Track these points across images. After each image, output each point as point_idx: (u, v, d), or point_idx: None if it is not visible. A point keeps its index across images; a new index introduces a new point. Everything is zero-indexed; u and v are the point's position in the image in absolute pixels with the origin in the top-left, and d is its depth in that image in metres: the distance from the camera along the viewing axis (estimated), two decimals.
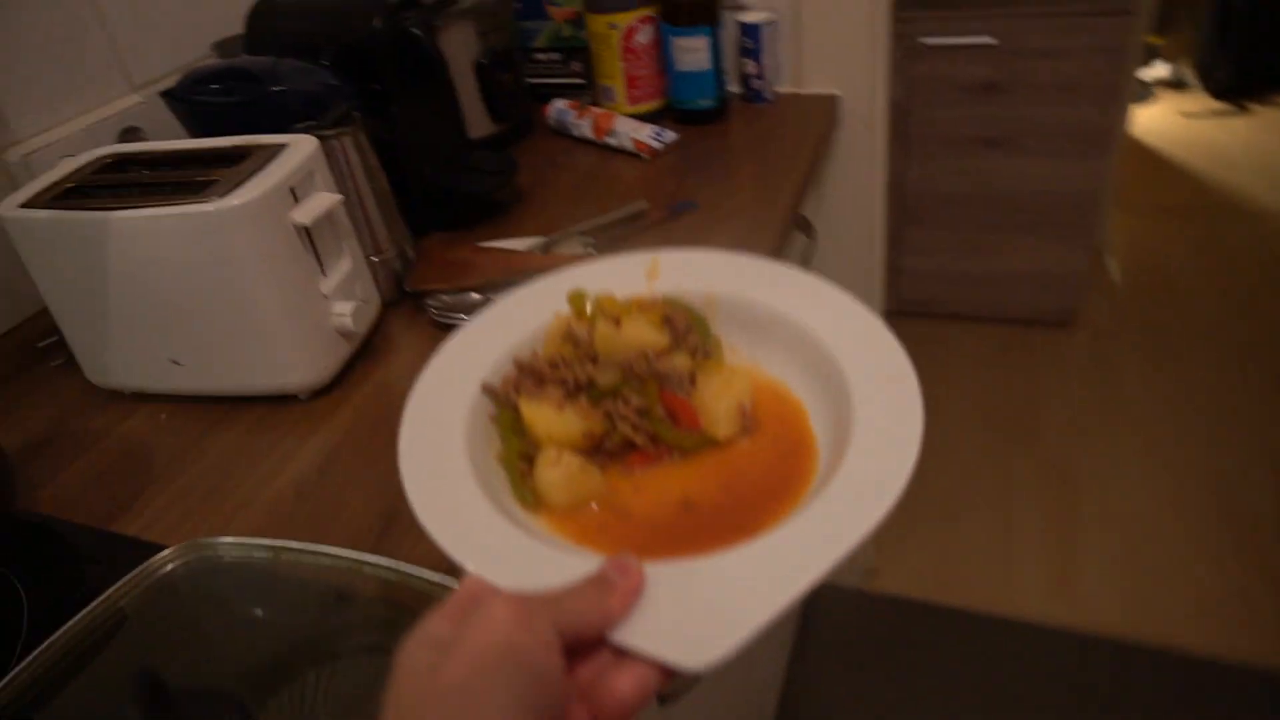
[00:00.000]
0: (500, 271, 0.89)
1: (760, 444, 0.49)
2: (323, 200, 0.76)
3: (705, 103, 1.22)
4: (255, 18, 1.01)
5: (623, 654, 0.36)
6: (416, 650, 0.34)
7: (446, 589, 0.52)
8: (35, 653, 0.54)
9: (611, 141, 1.19)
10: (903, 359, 0.48)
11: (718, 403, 0.48)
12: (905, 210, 2.28)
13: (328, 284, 0.79)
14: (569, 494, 0.45)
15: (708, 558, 0.40)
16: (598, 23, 1.21)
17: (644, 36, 1.20)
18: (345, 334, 0.80)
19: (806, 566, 0.38)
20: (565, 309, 0.55)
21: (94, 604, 0.58)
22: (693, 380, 0.50)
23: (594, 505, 0.46)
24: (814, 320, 0.52)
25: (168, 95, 0.91)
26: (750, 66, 1.23)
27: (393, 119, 0.97)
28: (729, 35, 1.23)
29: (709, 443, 0.48)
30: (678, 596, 0.38)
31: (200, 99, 0.90)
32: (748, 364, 0.54)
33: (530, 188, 1.12)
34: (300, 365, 0.78)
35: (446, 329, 0.80)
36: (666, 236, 0.97)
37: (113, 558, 0.68)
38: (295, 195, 0.75)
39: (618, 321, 0.50)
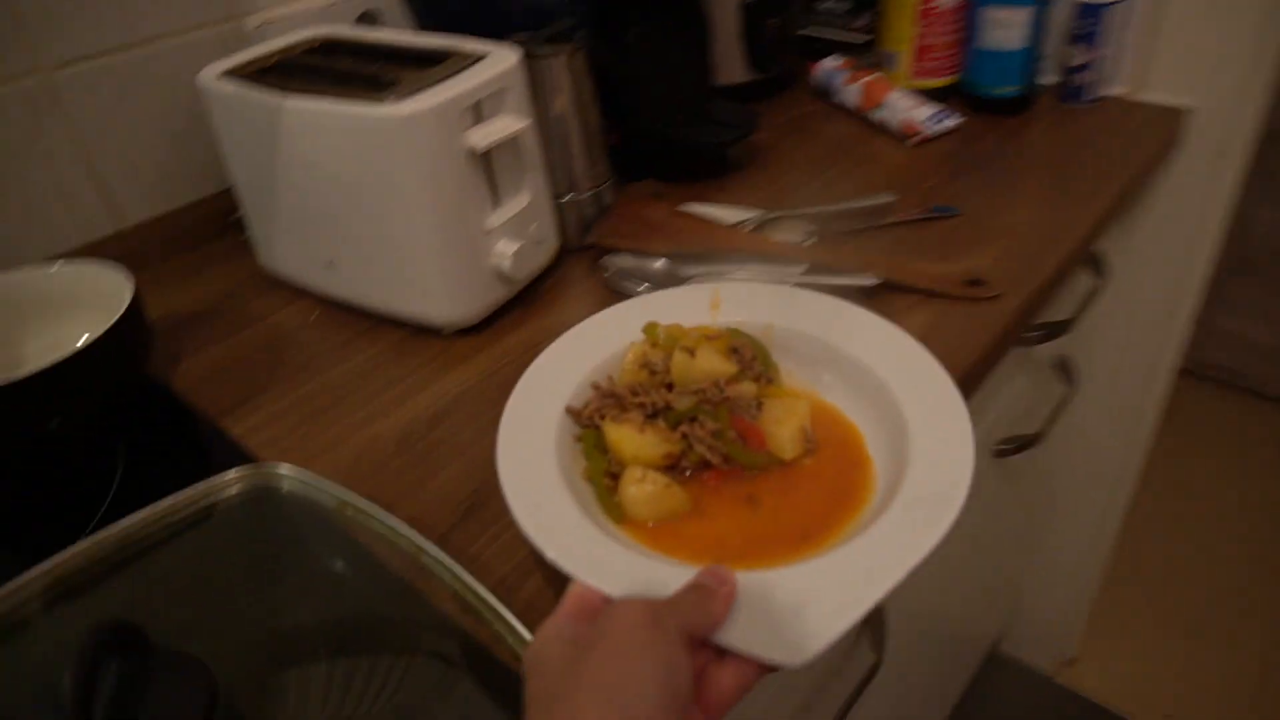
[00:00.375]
0: (697, 242, 0.76)
1: (822, 462, 0.53)
2: (506, 125, 0.67)
3: (1007, 90, 0.99)
4: None
5: (724, 653, 0.40)
6: (550, 647, 0.37)
7: (495, 623, 0.47)
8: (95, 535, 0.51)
9: (878, 116, 1.00)
10: (949, 386, 0.52)
11: (782, 426, 0.52)
12: (1239, 259, 1.85)
13: (495, 218, 0.70)
14: (654, 509, 0.49)
15: (786, 568, 0.44)
16: None
17: None
18: (502, 277, 0.71)
19: (875, 580, 0.42)
20: (639, 337, 0.60)
21: (157, 505, 0.55)
22: (759, 405, 0.54)
23: (670, 521, 0.50)
24: (865, 350, 0.56)
25: None
26: (1078, 55, 0.98)
27: (625, 46, 0.86)
28: (1058, 12, 0.99)
29: (776, 462, 0.52)
30: (766, 603, 0.42)
31: None
32: (805, 389, 0.58)
33: (764, 151, 0.97)
34: (445, 298, 0.70)
35: (617, 296, 0.70)
36: (906, 241, 0.78)
37: (207, 456, 0.65)
38: (480, 113, 0.66)
39: (692, 351, 0.55)
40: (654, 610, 0.37)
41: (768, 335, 0.60)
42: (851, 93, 1.04)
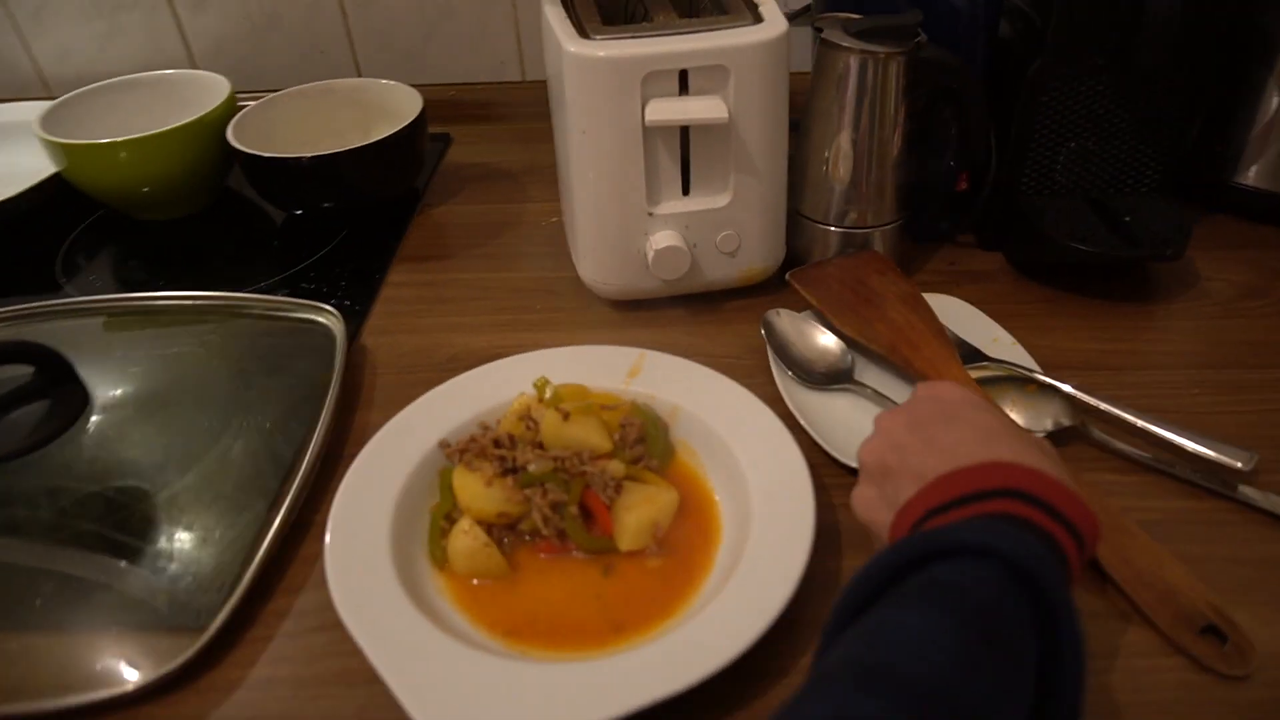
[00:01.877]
0: (883, 348, 0.57)
1: (664, 563, 0.49)
2: (691, 110, 0.56)
3: None
4: None
5: None
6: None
7: None
8: None
9: None
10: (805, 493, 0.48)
11: (630, 514, 0.49)
12: None
13: (665, 207, 0.61)
14: (469, 565, 0.48)
15: (569, 661, 0.43)
16: None
17: None
18: (650, 268, 0.62)
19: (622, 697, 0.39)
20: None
21: (272, 296, 0.65)
22: (618, 487, 0.50)
23: (488, 580, 0.48)
24: (746, 455, 0.51)
25: None
26: None
27: (1023, 85, 0.62)
28: None
29: (611, 549, 0.49)
30: (512, 690, 0.40)
31: None
32: (694, 479, 0.53)
33: (1190, 293, 0.64)
34: (589, 258, 0.65)
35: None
36: (1210, 527, 0.47)
37: (365, 278, 0.73)
38: (685, 84, 0.57)
39: (566, 416, 0.51)
40: None
41: (673, 417, 0.55)
42: None
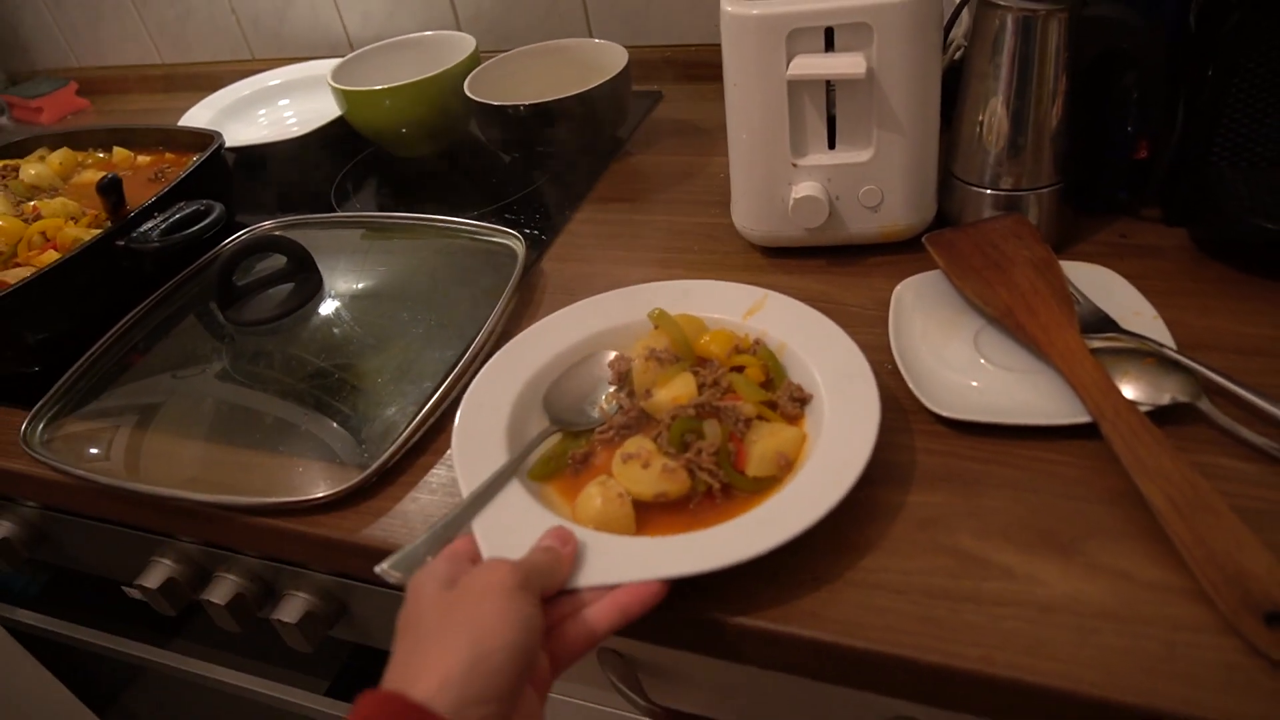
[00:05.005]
0: (999, 311, 0.56)
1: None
2: (832, 65, 0.59)
3: None
4: None
5: (577, 610, 0.45)
6: (428, 582, 0.42)
7: None
8: None
9: None
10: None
11: (756, 446, 0.51)
12: None
13: (811, 159, 0.64)
14: (598, 515, 0.49)
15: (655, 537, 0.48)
16: None
17: None
18: (791, 215, 0.66)
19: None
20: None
21: (460, 219, 0.78)
22: (748, 424, 0.53)
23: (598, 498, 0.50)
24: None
25: None
26: None
27: (1220, 37, 0.58)
28: None
29: (772, 486, 0.50)
30: (617, 557, 0.46)
31: None
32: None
33: None
34: (741, 206, 0.70)
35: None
36: None
37: (545, 214, 0.84)
38: (830, 41, 0.59)
39: (648, 393, 0.56)
40: (520, 571, 0.41)
41: (779, 353, 0.58)
42: None
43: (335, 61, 0.99)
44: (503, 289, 0.68)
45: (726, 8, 0.61)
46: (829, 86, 0.62)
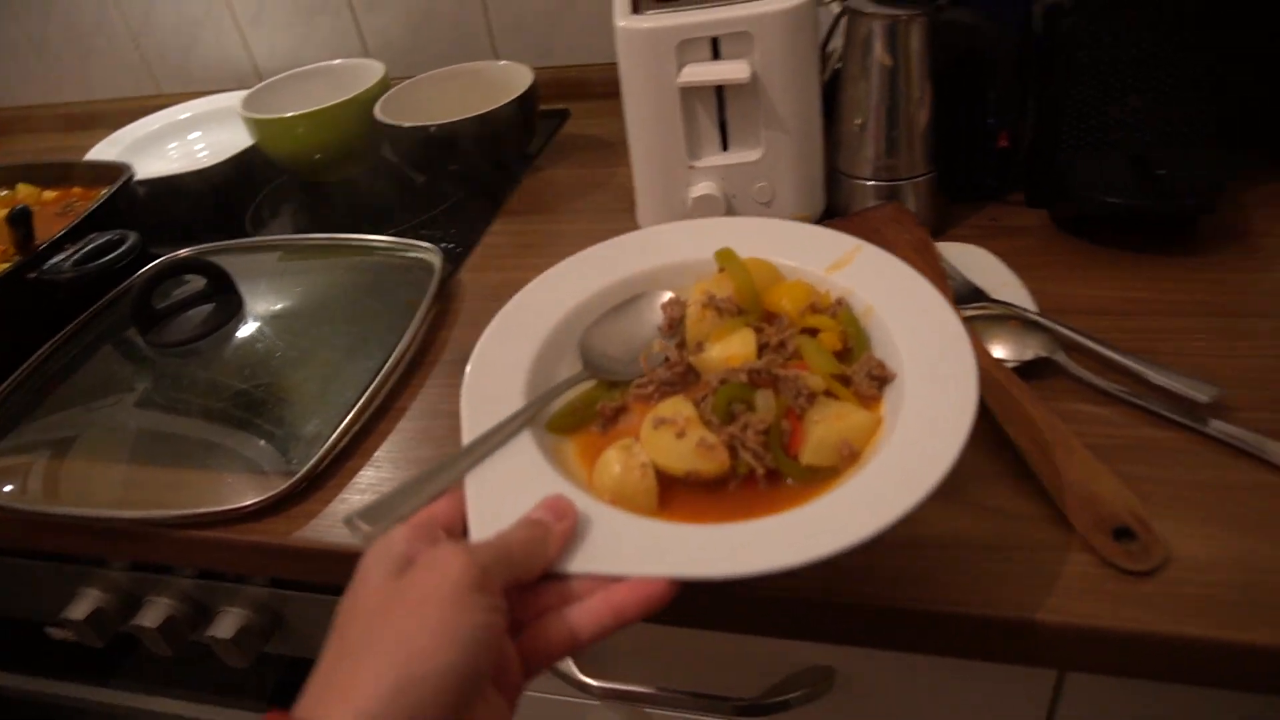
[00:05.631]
0: None
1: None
2: (720, 71, 0.64)
3: None
4: None
5: (568, 600, 0.38)
6: (376, 564, 0.36)
7: None
8: None
9: None
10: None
11: (816, 427, 0.43)
12: None
13: (707, 160, 0.69)
14: (615, 484, 0.42)
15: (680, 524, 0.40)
16: None
17: None
18: (690, 214, 0.71)
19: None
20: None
21: (365, 236, 0.80)
22: (811, 399, 0.45)
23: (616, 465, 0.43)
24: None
25: None
26: None
27: (1061, 32, 0.65)
28: None
29: (830, 476, 0.43)
30: (625, 542, 0.39)
31: None
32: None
33: (1217, 244, 0.64)
34: (645, 209, 0.74)
35: None
36: (1167, 456, 0.49)
37: (470, 222, 0.87)
38: (717, 49, 0.64)
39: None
40: (479, 563, 0.35)
41: (866, 317, 0.50)
42: None
43: (245, 92, 1.00)
44: (421, 300, 0.71)
45: (620, 23, 0.66)
46: (719, 92, 0.66)
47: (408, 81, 0.96)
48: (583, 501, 0.40)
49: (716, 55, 0.65)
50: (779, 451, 0.43)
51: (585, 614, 0.37)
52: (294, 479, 0.58)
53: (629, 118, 0.70)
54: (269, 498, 0.57)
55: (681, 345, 0.50)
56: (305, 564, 0.57)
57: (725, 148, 0.69)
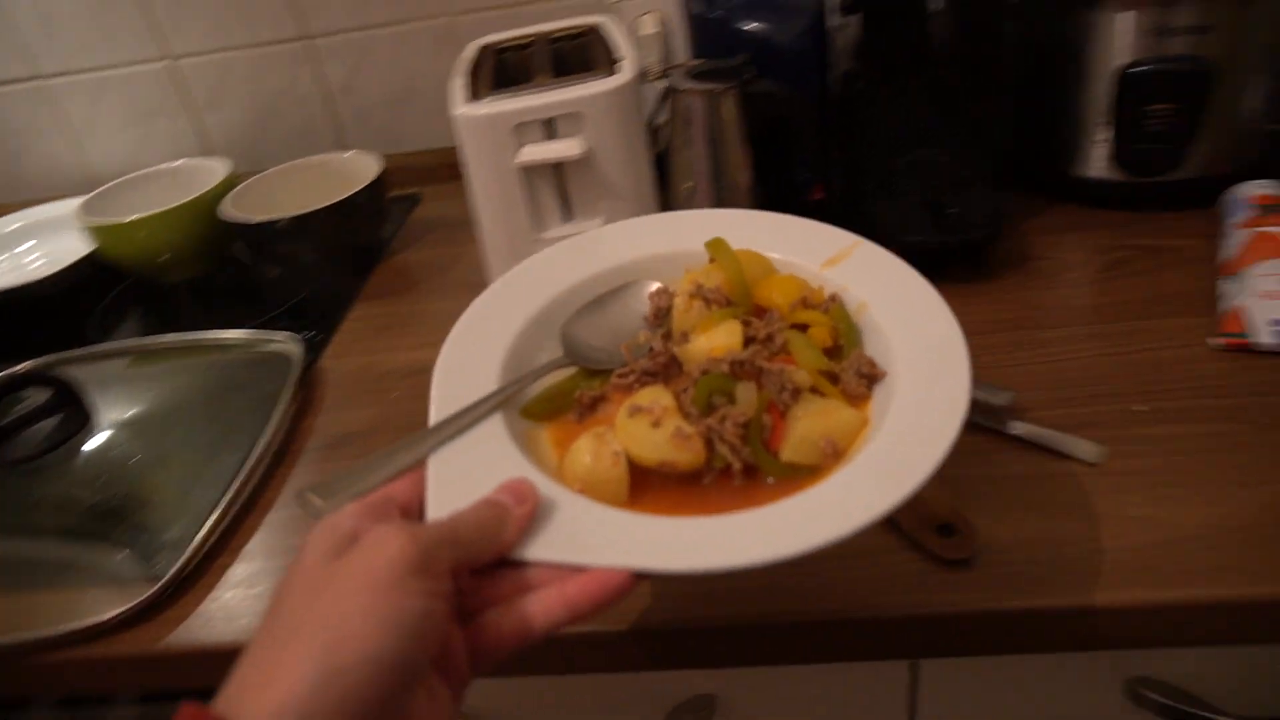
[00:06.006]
0: None
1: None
2: (556, 150, 0.69)
3: None
4: None
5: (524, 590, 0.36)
6: (317, 542, 0.34)
7: None
8: None
9: (1222, 288, 0.65)
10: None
11: (799, 423, 0.42)
12: None
13: (555, 231, 0.73)
14: (585, 472, 0.41)
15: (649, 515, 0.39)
16: None
17: None
18: None
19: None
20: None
21: (223, 332, 0.79)
22: (795, 394, 0.43)
23: (588, 456, 0.42)
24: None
25: None
26: None
27: (855, 95, 0.73)
28: None
29: (813, 474, 0.41)
30: (589, 531, 0.37)
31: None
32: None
33: (1012, 271, 0.73)
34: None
35: None
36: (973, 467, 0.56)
37: (330, 314, 0.87)
38: (553, 130, 0.69)
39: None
40: (419, 548, 0.32)
41: (858, 314, 0.49)
42: (1232, 242, 0.69)
43: (81, 199, 0.98)
44: (282, 391, 0.71)
45: (458, 111, 0.70)
46: (558, 168, 0.71)
47: (256, 177, 0.97)
48: (550, 489, 0.39)
49: (552, 134, 0.70)
50: (758, 446, 0.42)
51: (538, 604, 0.35)
52: (159, 584, 0.57)
53: (475, 197, 0.73)
54: (133, 606, 0.56)
55: (667, 336, 0.49)
56: (182, 670, 0.55)
57: (570, 218, 0.74)
